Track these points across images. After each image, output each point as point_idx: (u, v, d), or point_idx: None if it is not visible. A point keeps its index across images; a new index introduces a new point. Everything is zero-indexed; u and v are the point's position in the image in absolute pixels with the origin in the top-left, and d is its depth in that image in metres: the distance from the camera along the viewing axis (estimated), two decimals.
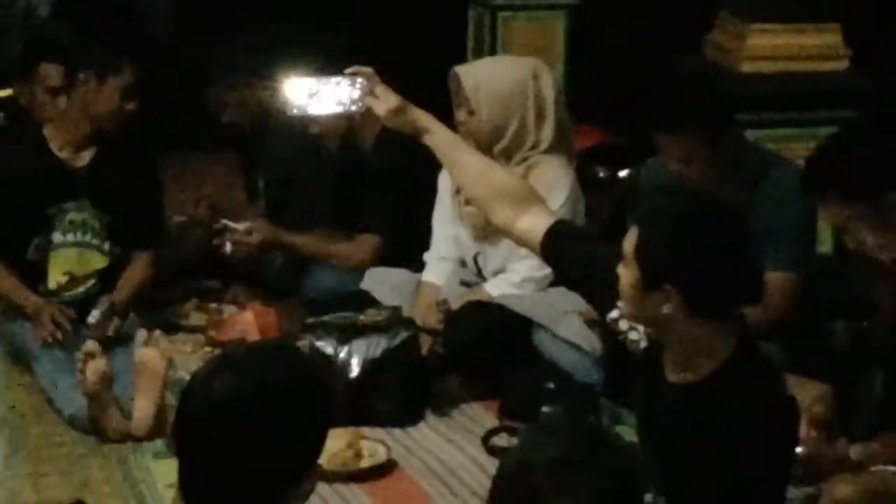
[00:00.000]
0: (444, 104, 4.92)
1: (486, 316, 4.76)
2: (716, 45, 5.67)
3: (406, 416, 4.56)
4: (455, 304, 4.83)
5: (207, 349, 5.08)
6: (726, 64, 5.51)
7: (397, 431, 4.51)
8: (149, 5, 7.41)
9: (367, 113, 3.80)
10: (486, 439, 4.41)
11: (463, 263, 5.08)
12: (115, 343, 4.78)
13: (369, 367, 4.56)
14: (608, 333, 4.17)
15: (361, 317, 4.70)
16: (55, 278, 4.98)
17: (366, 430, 4.40)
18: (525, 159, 4.87)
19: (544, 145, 4.88)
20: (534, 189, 3.75)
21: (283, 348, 2.41)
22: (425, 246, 5.12)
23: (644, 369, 3.27)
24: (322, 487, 4.10)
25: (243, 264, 5.48)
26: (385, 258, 5.26)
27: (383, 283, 5.09)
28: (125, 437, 4.39)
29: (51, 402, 4.61)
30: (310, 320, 4.79)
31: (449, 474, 4.26)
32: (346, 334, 4.60)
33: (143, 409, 4.32)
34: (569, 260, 3.46)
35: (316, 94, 3.52)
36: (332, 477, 4.14)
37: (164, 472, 4.10)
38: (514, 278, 4.86)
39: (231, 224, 5.39)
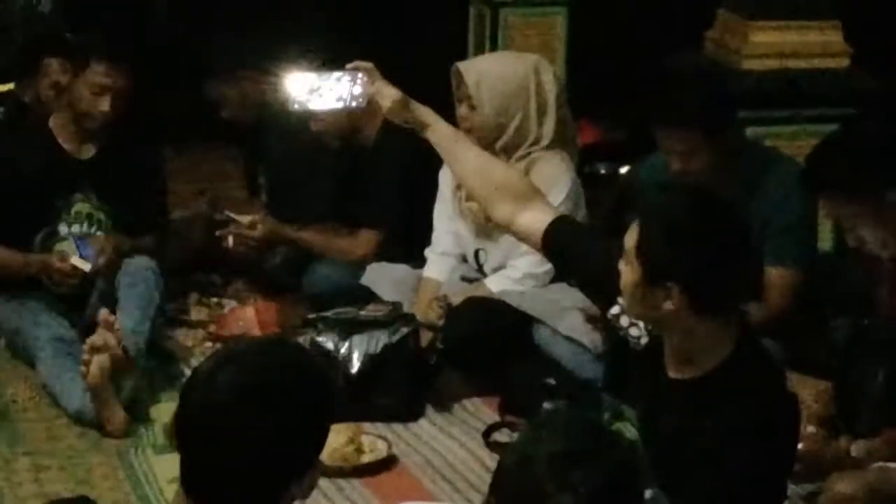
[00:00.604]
0: (445, 100, 4.93)
1: (486, 312, 4.75)
2: (716, 42, 5.67)
3: (407, 412, 4.56)
4: (455, 300, 4.83)
5: (208, 344, 5.09)
6: (727, 61, 5.50)
7: (398, 426, 4.51)
8: None
9: (369, 108, 3.79)
10: (486, 435, 4.41)
11: (463, 259, 5.08)
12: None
13: (370, 362, 4.56)
14: (609, 329, 4.18)
15: (362, 312, 4.69)
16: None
17: (366, 426, 4.40)
18: (526, 155, 4.86)
19: (545, 142, 4.88)
20: (534, 184, 3.75)
21: (284, 344, 2.42)
22: (426, 241, 5.12)
23: (644, 365, 3.27)
24: (322, 482, 4.10)
25: (244, 259, 5.48)
26: (386, 253, 5.26)
27: (384, 279, 5.08)
28: (127, 432, 4.40)
29: (54, 397, 4.61)
30: (310, 315, 4.78)
31: (449, 469, 4.26)
32: (347, 330, 4.60)
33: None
34: (569, 256, 3.46)
35: (317, 90, 3.52)
36: (333, 472, 4.14)
37: (165, 468, 4.10)
38: (515, 274, 4.86)
39: (234, 216, 5.39)
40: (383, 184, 5.27)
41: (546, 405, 4.22)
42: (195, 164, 6.82)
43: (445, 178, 5.01)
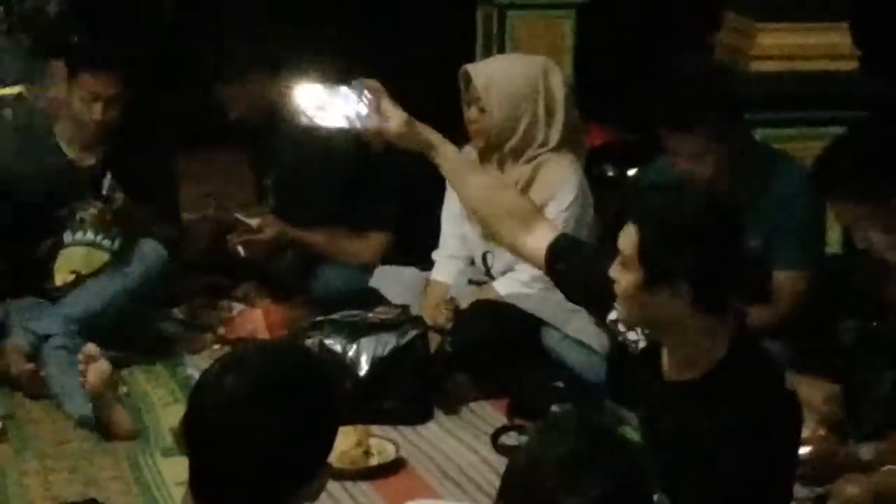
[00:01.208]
0: (453, 102, 4.93)
1: (494, 315, 4.75)
2: (724, 45, 5.67)
3: (415, 414, 4.56)
4: (463, 303, 4.83)
5: (216, 347, 5.08)
6: (735, 63, 5.50)
7: (406, 429, 4.50)
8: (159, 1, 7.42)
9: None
10: (495, 437, 4.40)
11: (471, 262, 5.07)
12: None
13: (378, 365, 4.55)
14: (609, 334, 4.18)
15: (370, 315, 4.69)
16: (61, 276, 4.97)
17: (374, 429, 4.39)
18: (534, 158, 4.86)
19: (553, 144, 4.88)
20: (535, 205, 3.74)
21: (291, 346, 2.43)
22: (434, 244, 5.11)
23: (643, 369, 3.26)
24: (331, 485, 4.01)
25: (252, 262, 5.46)
26: (394, 256, 5.26)
27: (392, 282, 5.08)
28: (134, 435, 4.40)
29: (59, 405, 4.60)
30: (318, 318, 4.77)
31: (458, 472, 4.25)
32: (355, 332, 4.59)
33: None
34: (570, 271, 3.46)
35: (324, 106, 3.51)
36: (341, 475, 4.13)
37: (174, 470, 4.09)
38: (523, 277, 4.84)
39: (243, 218, 5.38)
40: (391, 186, 5.27)
41: (554, 408, 4.22)
42: (202, 167, 6.81)
43: None
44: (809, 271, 4.51)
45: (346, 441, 4.21)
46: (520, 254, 3.56)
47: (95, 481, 4.15)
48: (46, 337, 4.75)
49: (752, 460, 2.97)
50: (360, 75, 5.11)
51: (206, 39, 5.93)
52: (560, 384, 4.49)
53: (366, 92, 3.51)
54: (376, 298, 4.95)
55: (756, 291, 4.44)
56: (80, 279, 4.94)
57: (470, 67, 4.94)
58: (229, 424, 2.10)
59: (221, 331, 5.19)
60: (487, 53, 6.59)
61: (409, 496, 4.03)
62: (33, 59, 5.52)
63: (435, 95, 4.83)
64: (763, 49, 5.48)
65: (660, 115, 4.43)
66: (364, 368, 4.55)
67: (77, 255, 4.98)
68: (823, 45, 5.50)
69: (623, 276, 3.08)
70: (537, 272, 4.78)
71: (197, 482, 2.16)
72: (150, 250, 4.99)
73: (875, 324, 4.12)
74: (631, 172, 5.68)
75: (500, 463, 4.14)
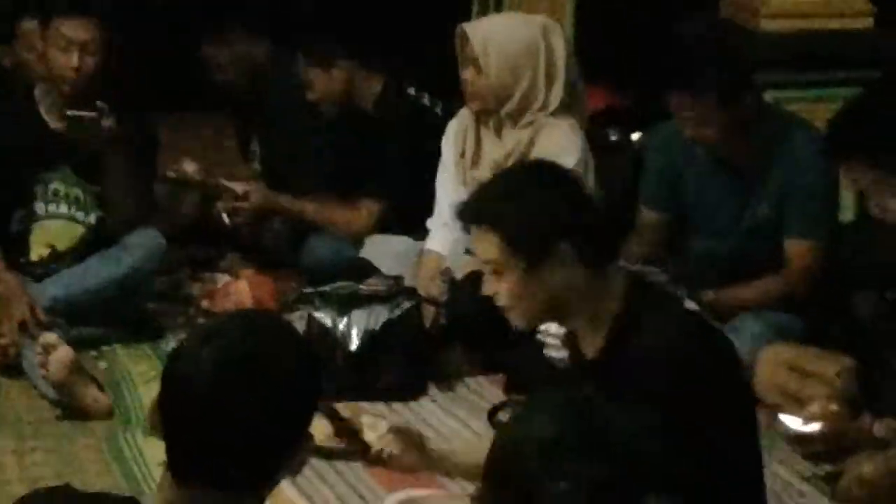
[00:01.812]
0: (449, 63, 4.80)
1: None
2: (733, 3, 5.57)
3: (408, 390, 4.47)
4: (459, 274, 4.72)
5: (201, 320, 4.96)
6: (744, 22, 5.41)
7: (399, 406, 4.43)
8: None
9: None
10: (491, 414, 4.33)
11: (467, 230, 4.91)
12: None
13: (369, 338, 4.49)
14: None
15: (361, 286, 4.63)
16: (37, 251, 4.85)
17: (366, 405, 4.31)
18: (532, 121, 4.75)
19: (553, 107, 4.76)
20: None
21: (266, 317, 2.42)
22: (428, 213, 5.00)
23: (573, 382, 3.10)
24: (320, 464, 4.05)
25: (238, 231, 5.38)
26: (387, 225, 5.17)
27: (384, 252, 5.01)
28: (111, 413, 4.32)
29: (35, 387, 4.49)
30: (307, 290, 4.71)
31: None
32: (346, 305, 4.52)
33: None
34: None
35: None
36: (332, 454, 4.03)
37: (155, 450, 3.97)
38: None
39: (227, 183, 5.28)
40: (384, 153, 5.18)
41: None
42: (186, 130, 6.71)
43: (448, 146, 4.91)
44: (822, 240, 4.43)
45: None
46: None
47: (74, 461, 4.09)
48: None
49: (683, 392, 2.78)
50: (353, 36, 5.01)
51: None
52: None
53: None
54: (368, 269, 4.87)
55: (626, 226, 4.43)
56: (55, 254, 4.83)
57: (467, 26, 4.84)
58: (206, 398, 2.03)
59: (205, 303, 5.09)
60: (484, 12, 6.43)
61: (402, 474, 3.89)
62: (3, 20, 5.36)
63: (430, 56, 4.72)
64: (774, 6, 5.39)
65: (664, 77, 4.37)
66: (355, 342, 4.48)
67: (52, 228, 4.86)
68: (837, 2, 5.42)
69: (502, 284, 2.92)
70: None
71: (174, 459, 2.09)
72: (147, 240, 4.88)
73: (891, 295, 4.00)
74: (635, 137, 5.57)
75: None
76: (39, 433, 4.23)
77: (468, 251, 4.86)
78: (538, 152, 4.67)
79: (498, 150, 4.77)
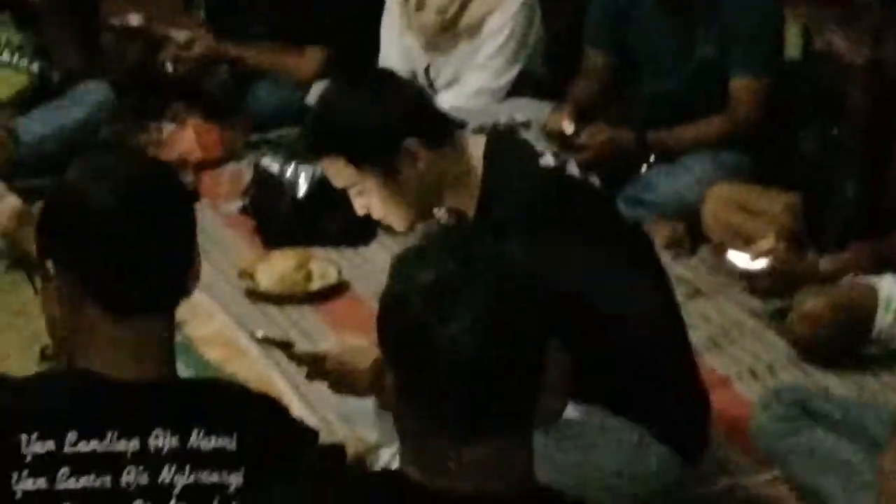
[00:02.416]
0: None
1: None
2: None
3: (357, 236, 4.44)
4: None
5: None
6: None
7: (348, 251, 4.41)
8: None
9: None
10: None
11: (413, 76, 4.88)
12: None
13: (317, 185, 4.41)
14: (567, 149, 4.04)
15: None
16: None
17: (315, 251, 4.30)
18: None
19: None
20: None
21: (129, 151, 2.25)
22: (374, 59, 4.93)
23: None
24: (271, 310, 4.07)
25: (183, 79, 5.28)
26: (332, 71, 5.05)
27: None
28: None
29: None
30: (254, 137, 4.64)
31: None
32: (292, 152, 4.47)
33: None
34: None
35: None
36: (282, 299, 4.07)
37: None
38: (468, 90, 4.73)
39: (171, 32, 5.18)
40: None
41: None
42: None
43: None
44: (767, 77, 4.38)
45: (285, 264, 4.15)
46: None
47: (22, 313, 4.03)
48: None
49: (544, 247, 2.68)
50: None
51: None
52: None
53: None
54: None
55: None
56: None
57: None
58: (97, 235, 1.97)
59: (151, 152, 5.00)
60: None
61: (353, 320, 3.92)
62: None
63: None
64: None
65: None
66: (302, 189, 4.43)
67: None
68: None
69: (369, 200, 2.89)
70: (483, 84, 4.67)
71: (97, 291, 1.99)
72: (95, 90, 4.84)
73: (836, 131, 3.99)
74: None
75: None
76: None
77: None
78: None
79: None
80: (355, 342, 2.88)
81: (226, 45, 5.20)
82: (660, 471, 2.96)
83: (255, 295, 4.10)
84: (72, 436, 1.88)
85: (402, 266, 1.75)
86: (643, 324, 2.92)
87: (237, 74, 5.26)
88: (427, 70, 4.83)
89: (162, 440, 1.92)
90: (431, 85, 4.83)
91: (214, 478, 1.92)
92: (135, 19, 5.24)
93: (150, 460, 1.91)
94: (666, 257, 4.05)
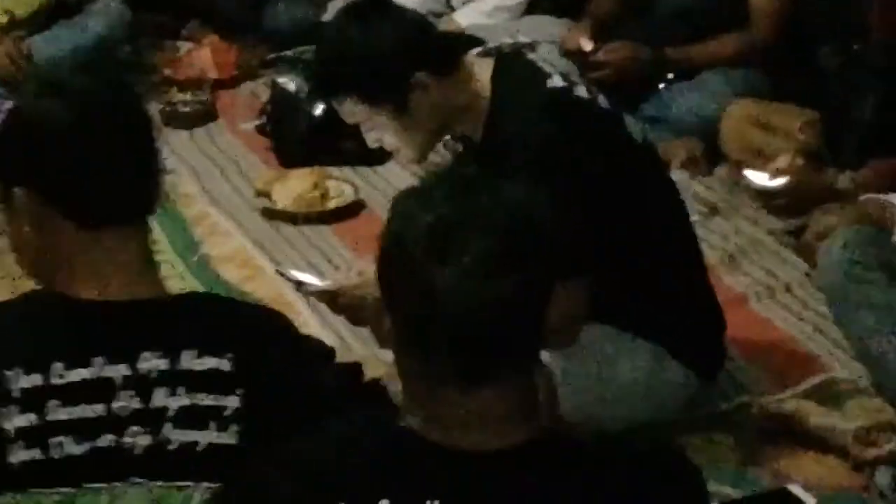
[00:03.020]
0: None
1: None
2: None
3: (374, 154, 4.37)
4: None
5: (164, 89, 4.92)
6: None
7: (365, 170, 4.40)
8: None
9: None
10: None
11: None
12: None
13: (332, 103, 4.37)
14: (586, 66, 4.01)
15: None
16: None
17: (332, 170, 4.28)
18: None
19: None
20: None
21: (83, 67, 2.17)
22: None
23: None
24: (288, 230, 4.06)
25: None
26: None
27: None
28: None
29: None
30: (270, 56, 4.62)
31: None
32: (309, 69, 4.33)
33: None
34: None
35: None
36: (298, 219, 4.06)
37: None
38: (485, 7, 4.70)
39: None
40: None
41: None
42: None
43: None
44: None
45: (302, 184, 4.14)
46: None
47: None
48: None
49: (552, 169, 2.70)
50: None
51: None
52: None
53: None
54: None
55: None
56: (15, 22, 4.71)
57: None
58: (59, 150, 1.91)
59: (168, 71, 5.04)
60: None
61: (369, 239, 3.80)
62: None
63: None
64: None
65: None
66: (319, 108, 4.38)
67: None
68: None
69: (385, 136, 2.90)
70: (501, 0, 4.63)
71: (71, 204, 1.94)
72: (111, 8, 4.80)
73: (856, 47, 3.96)
74: None
75: None
76: None
77: (432, 13, 4.79)
78: None
79: None
80: (368, 271, 2.87)
81: None
82: (675, 386, 2.97)
83: (272, 214, 4.10)
84: (58, 367, 1.83)
85: (400, 207, 1.69)
86: (655, 241, 2.92)
87: None
88: None
89: (151, 363, 1.86)
90: (448, 2, 4.80)
91: (210, 400, 1.85)
92: None
93: (141, 384, 1.85)
94: (683, 175, 4.05)
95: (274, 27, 5.11)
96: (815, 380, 3.19)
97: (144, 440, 1.84)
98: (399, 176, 4.33)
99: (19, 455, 1.82)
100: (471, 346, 1.63)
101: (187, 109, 4.77)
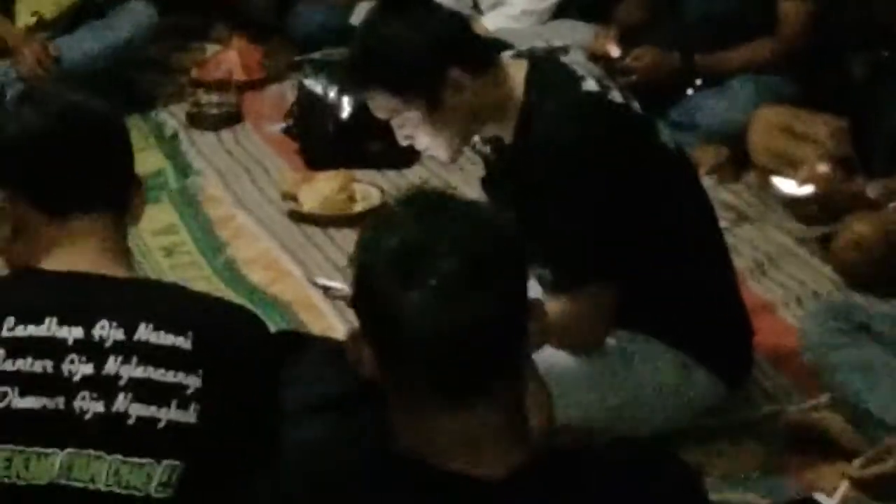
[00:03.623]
0: None
1: None
2: None
3: (400, 157, 4.37)
4: None
5: (191, 91, 4.93)
6: None
7: (391, 174, 4.39)
8: None
9: None
10: (485, 182, 4.24)
11: None
12: None
13: (362, 105, 4.31)
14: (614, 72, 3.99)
15: None
16: (24, 19, 4.75)
17: (358, 173, 4.27)
18: None
19: None
20: None
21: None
22: None
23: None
24: (313, 231, 4.06)
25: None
26: None
27: None
28: None
29: None
30: (297, 58, 4.61)
31: None
32: (337, 72, 4.40)
33: None
34: None
35: None
36: (324, 221, 4.05)
37: (155, 218, 3.92)
38: (513, 11, 4.70)
39: None
40: None
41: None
42: None
43: None
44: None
45: (328, 186, 4.13)
46: None
47: None
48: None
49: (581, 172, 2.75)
50: None
51: None
52: None
53: None
54: None
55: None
56: (43, 23, 4.73)
57: None
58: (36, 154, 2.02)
59: (195, 73, 5.05)
60: None
61: None
62: None
63: None
64: None
65: None
66: (346, 110, 4.40)
67: None
68: None
69: (413, 130, 2.87)
70: (528, 5, 4.63)
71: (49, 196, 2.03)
72: (139, 9, 4.80)
73: (886, 54, 3.94)
74: None
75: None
76: None
77: None
78: None
79: None
80: None
81: None
82: (702, 392, 2.96)
83: (299, 216, 4.10)
84: (9, 320, 1.86)
85: (368, 233, 1.68)
86: (684, 246, 2.91)
87: None
88: None
89: (106, 331, 1.88)
90: (476, 5, 4.79)
91: (169, 377, 1.87)
92: None
93: (94, 350, 1.87)
94: (711, 182, 4.03)
95: (301, 29, 5.11)
96: None
97: (96, 406, 1.85)
98: (425, 178, 4.34)
99: None
100: (446, 368, 1.61)
101: (214, 111, 4.77)
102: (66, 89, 2.15)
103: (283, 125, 4.65)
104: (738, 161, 4.25)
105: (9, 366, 1.85)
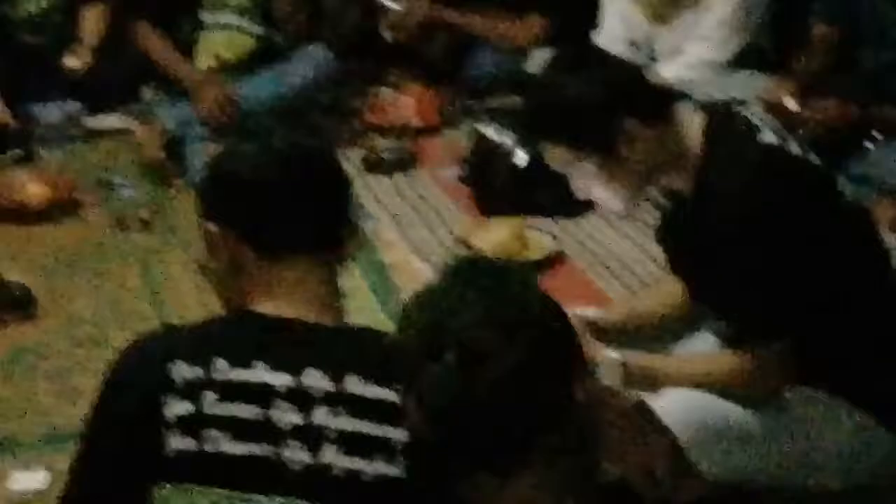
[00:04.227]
0: None
1: None
2: None
3: (576, 206, 4.33)
4: None
5: (367, 135, 5.00)
6: None
7: (566, 222, 4.38)
8: None
9: None
10: (659, 233, 4.20)
11: (633, 44, 4.82)
12: None
13: (536, 154, 4.34)
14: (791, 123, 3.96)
15: None
16: (205, 61, 4.84)
17: (531, 220, 4.27)
18: None
19: None
20: None
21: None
22: (594, 26, 4.88)
23: None
24: None
25: (402, 45, 5.31)
26: (551, 38, 5.06)
27: None
28: None
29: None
30: (471, 103, 4.61)
31: (620, 267, 4.10)
32: (512, 121, 4.42)
33: None
34: None
35: None
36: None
37: None
38: (691, 60, 4.65)
39: (387, 3, 5.21)
40: None
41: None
42: None
43: None
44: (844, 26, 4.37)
45: (502, 232, 4.14)
46: None
47: None
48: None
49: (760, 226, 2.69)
50: None
51: None
52: None
53: None
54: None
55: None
56: (224, 65, 4.82)
57: None
58: (250, 193, 2.04)
59: (370, 117, 5.08)
60: None
61: (569, 292, 3.87)
62: None
63: None
64: None
65: None
66: (522, 158, 4.40)
67: (218, 38, 4.84)
68: None
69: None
70: (707, 55, 4.60)
71: (262, 235, 2.05)
72: (316, 54, 4.89)
73: None
74: None
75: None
76: None
77: None
78: None
79: None
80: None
81: (444, 11, 5.21)
82: (883, 454, 2.90)
83: None
84: (219, 363, 1.89)
85: (407, 306, 1.80)
86: (864, 304, 2.86)
87: (456, 40, 5.26)
88: (648, 38, 4.77)
89: (316, 380, 1.89)
90: (653, 55, 4.78)
91: (376, 430, 1.87)
92: None
93: (302, 398, 1.88)
94: (891, 238, 3.96)
95: (475, 75, 5.15)
96: None
97: (303, 457, 1.86)
98: (600, 228, 4.33)
99: (175, 443, 1.87)
100: (457, 442, 1.73)
101: (389, 156, 4.81)
102: (281, 125, 2.12)
103: (457, 171, 4.67)
104: None
105: (220, 410, 1.88)
